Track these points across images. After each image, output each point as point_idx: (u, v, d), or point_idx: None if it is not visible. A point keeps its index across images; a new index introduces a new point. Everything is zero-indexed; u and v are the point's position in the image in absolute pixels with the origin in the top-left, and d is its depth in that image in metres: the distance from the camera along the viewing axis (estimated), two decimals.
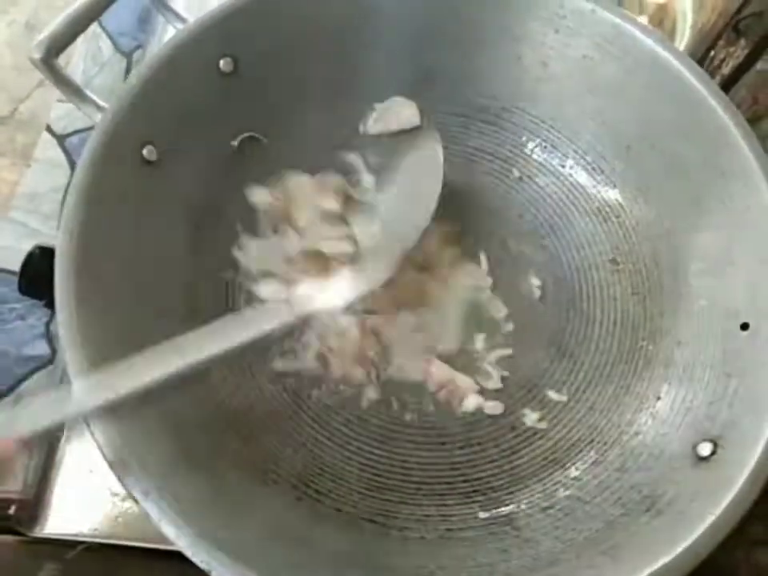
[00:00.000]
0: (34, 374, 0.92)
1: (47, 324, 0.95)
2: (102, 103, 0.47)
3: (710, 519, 0.37)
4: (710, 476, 0.40)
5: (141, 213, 0.47)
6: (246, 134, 0.55)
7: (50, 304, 0.62)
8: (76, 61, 1.08)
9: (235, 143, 0.55)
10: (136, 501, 0.37)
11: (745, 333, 0.44)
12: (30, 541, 0.57)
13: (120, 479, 0.37)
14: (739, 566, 0.56)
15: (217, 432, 0.46)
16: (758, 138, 0.66)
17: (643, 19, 0.93)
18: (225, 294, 0.53)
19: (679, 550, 0.36)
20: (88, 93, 0.47)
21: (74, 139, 1.09)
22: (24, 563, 0.59)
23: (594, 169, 0.57)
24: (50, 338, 0.94)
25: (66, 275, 0.41)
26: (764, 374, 0.41)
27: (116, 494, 0.57)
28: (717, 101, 0.47)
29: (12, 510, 0.57)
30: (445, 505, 0.47)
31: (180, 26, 0.50)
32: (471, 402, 0.51)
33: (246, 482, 0.44)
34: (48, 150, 1.08)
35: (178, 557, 0.55)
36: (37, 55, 0.44)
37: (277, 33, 0.53)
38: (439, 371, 0.51)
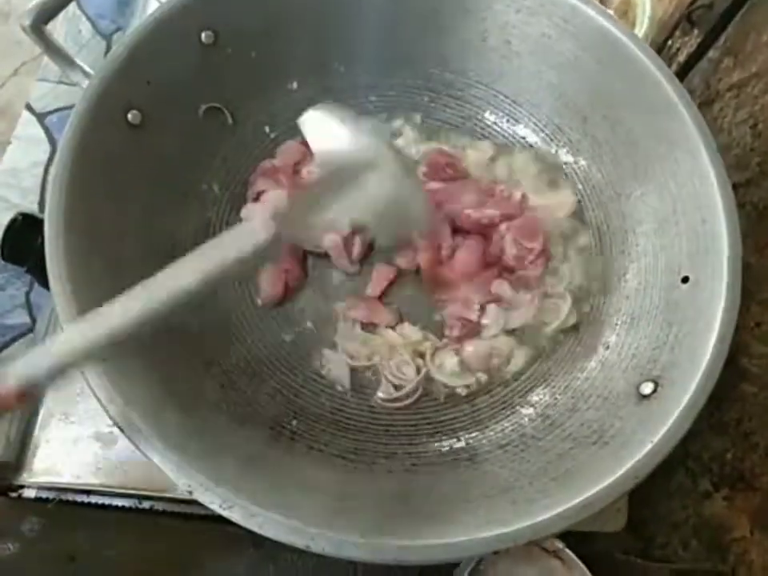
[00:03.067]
0: (14, 342, 0.94)
1: (27, 294, 0.97)
2: (88, 69, 0.50)
3: (649, 446, 0.41)
4: (651, 411, 0.44)
5: (125, 171, 0.50)
6: (213, 104, 0.58)
7: (32, 270, 0.64)
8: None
9: (201, 111, 0.57)
10: (122, 430, 0.40)
11: (685, 285, 0.48)
12: (14, 498, 0.59)
13: (108, 413, 0.40)
14: (689, 517, 0.60)
15: (198, 377, 0.49)
16: (710, 119, 0.71)
17: (609, 11, 0.98)
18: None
19: (621, 472, 0.40)
20: (76, 60, 0.49)
21: (54, 117, 1.11)
22: (7, 519, 0.60)
23: (552, 140, 0.61)
24: (30, 307, 0.96)
25: (56, 229, 0.44)
26: (701, 321, 0.45)
27: (97, 441, 0.58)
28: (662, 74, 0.51)
29: None
30: (410, 444, 0.51)
31: None
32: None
33: (225, 421, 0.47)
34: (28, 127, 1.09)
35: (151, 513, 0.58)
36: (27, 22, 0.47)
37: (257, 9, 0.56)
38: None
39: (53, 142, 1.08)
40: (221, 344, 0.53)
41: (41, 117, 1.12)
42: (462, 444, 0.51)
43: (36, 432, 0.59)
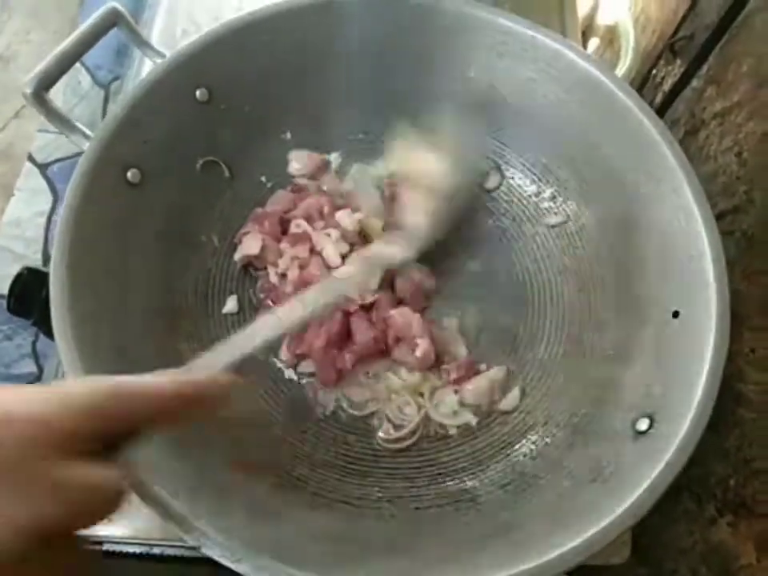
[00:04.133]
0: None
1: (34, 343, 0.98)
2: (88, 132, 0.51)
3: (647, 483, 0.41)
4: (648, 447, 0.44)
5: (126, 228, 0.52)
6: (209, 158, 0.60)
7: (38, 322, 0.65)
8: (55, 93, 1.11)
9: (198, 166, 0.59)
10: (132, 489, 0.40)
11: (676, 320, 0.49)
12: None
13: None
14: (695, 544, 0.60)
15: (201, 426, 0.50)
16: (697, 147, 0.72)
17: (594, 41, 1.00)
18: (204, 297, 0.58)
19: (620, 510, 0.40)
20: (76, 123, 0.51)
21: (55, 168, 1.13)
22: None
23: (540, 180, 0.62)
24: (36, 356, 0.97)
25: (60, 287, 0.45)
26: (692, 355, 0.46)
27: None
28: (643, 114, 0.53)
29: None
30: (414, 486, 0.51)
31: (158, 60, 0.55)
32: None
33: (230, 471, 0.47)
34: (30, 178, 1.11)
35: (165, 559, 0.58)
36: (28, 90, 0.49)
37: (248, 65, 0.58)
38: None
39: (55, 192, 1.10)
40: None
41: (42, 167, 1.14)
42: (463, 485, 0.51)
43: None
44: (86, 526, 0.28)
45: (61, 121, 0.51)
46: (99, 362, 0.44)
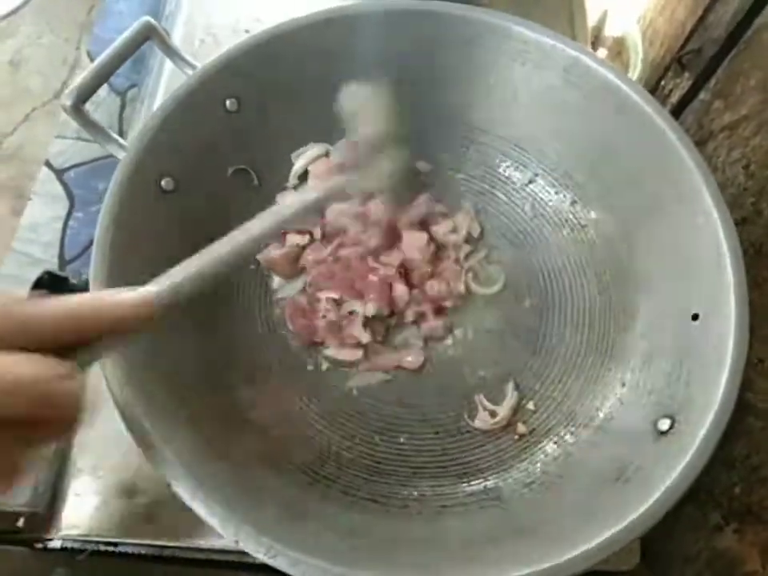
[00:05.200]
0: None
1: None
2: (123, 142, 0.53)
3: (669, 482, 0.42)
4: (670, 446, 0.46)
5: (160, 234, 0.53)
6: (239, 166, 0.61)
7: None
8: None
9: (228, 174, 0.61)
10: (169, 486, 0.42)
11: (696, 322, 0.50)
12: (40, 549, 0.59)
13: (154, 468, 0.42)
14: (701, 551, 0.61)
15: (234, 429, 0.51)
16: (704, 159, 0.73)
17: (602, 51, 1.01)
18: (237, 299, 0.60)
19: (642, 509, 0.42)
20: (112, 133, 0.52)
21: (72, 173, 1.14)
22: (34, 571, 0.61)
23: (560, 184, 0.64)
24: None
25: (99, 288, 0.46)
26: (713, 356, 0.47)
27: (124, 494, 0.59)
28: (662, 119, 0.54)
29: (21, 523, 0.58)
30: (440, 485, 0.53)
31: (189, 71, 0.56)
32: None
33: (262, 469, 0.49)
34: (47, 183, 1.12)
35: (179, 561, 0.59)
36: (67, 102, 0.50)
37: (275, 75, 0.59)
38: None
39: (71, 198, 1.11)
40: (254, 394, 0.55)
41: (59, 173, 1.15)
42: (488, 484, 0.53)
43: (64, 485, 0.60)
44: (46, 427, 0.28)
45: (98, 131, 0.52)
46: (137, 363, 0.46)
